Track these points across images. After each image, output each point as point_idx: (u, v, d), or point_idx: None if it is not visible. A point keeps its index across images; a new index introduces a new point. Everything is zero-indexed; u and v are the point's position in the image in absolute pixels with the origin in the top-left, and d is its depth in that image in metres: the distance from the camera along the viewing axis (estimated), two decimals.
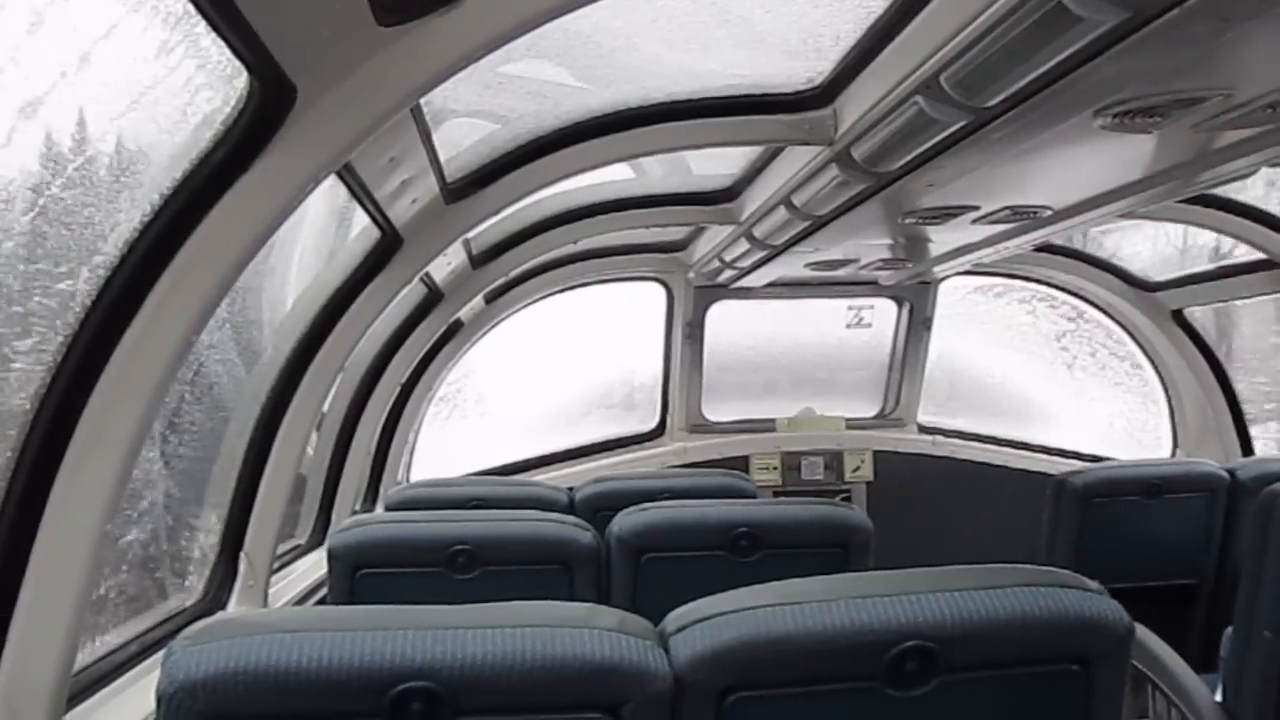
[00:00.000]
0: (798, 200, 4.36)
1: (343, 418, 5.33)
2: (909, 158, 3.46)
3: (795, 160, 4.09)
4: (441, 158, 3.28)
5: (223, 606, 3.75)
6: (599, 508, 4.63)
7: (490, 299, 6.28)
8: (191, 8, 1.60)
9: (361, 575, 3.58)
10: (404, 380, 5.79)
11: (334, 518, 5.36)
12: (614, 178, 5.13)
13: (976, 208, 4.40)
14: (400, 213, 3.43)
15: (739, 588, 2.08)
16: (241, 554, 3.80)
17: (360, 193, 3.04)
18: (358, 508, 5.71)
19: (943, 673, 1.95)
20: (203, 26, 1.68)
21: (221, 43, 1.74)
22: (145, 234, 2.11)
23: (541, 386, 7.52)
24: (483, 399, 7.53)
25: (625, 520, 3.74)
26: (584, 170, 3.75)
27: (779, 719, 1.99)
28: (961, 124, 3.06)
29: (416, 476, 7.09)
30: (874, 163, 3.60)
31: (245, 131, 2.05)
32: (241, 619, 1.96)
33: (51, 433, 2.15)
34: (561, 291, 6.88)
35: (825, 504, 3.87)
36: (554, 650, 1.87)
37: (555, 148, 3.59)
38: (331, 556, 3.60)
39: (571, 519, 3.73)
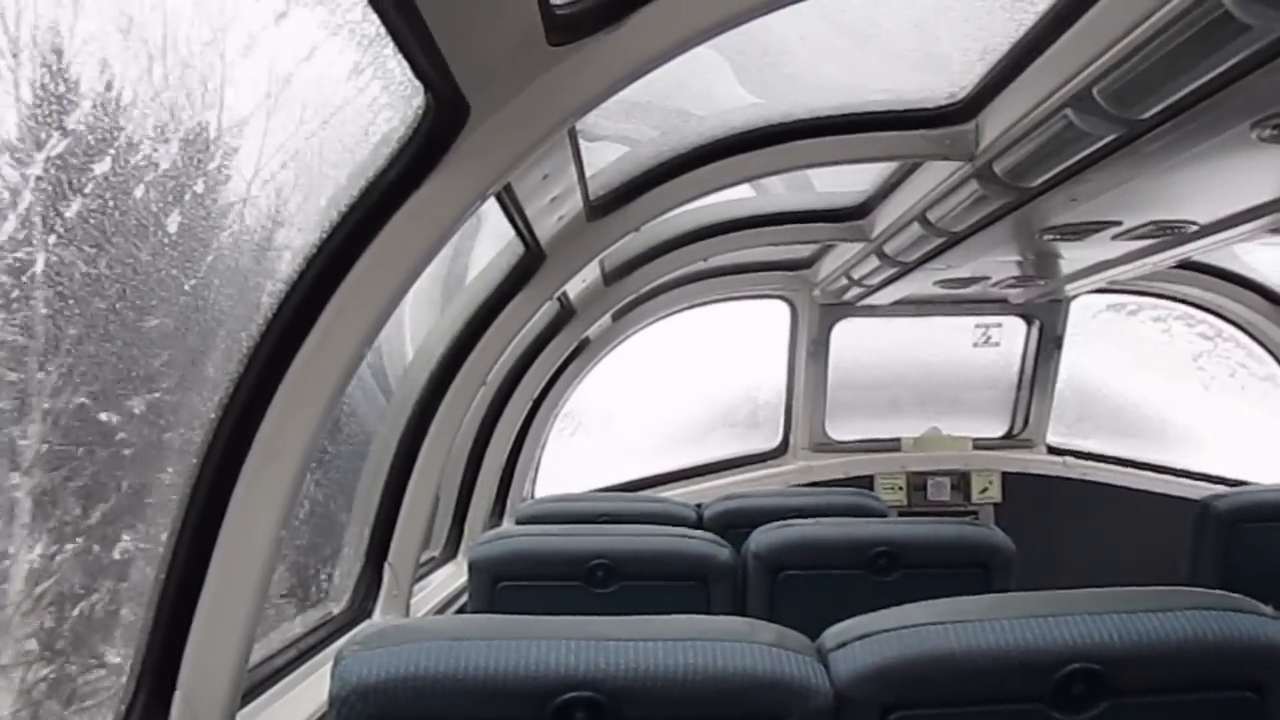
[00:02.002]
0: (932, 216, 4.33)
1: (475, 433, 5.44)
2: (1054, 172, 3.42)
3: (932, 176, 4.07)
4: (587, 174, 3.34)
5: (368, 615, 3.86)
6: (728, 525, 4.65)
7: (617, 316, 6.35)
8: (384, 30, 1.67)
9: (502, 587, 3.66)
10: (534, 397, 5.88)
11: (466, 531, 5.47)
12: (738, 195, 5.15)
13: (1119, 223, 4.32)
14: (546, 229, 3.50)
15: (878, 607, 2.08)
16: (386, 564, 3.91)
17: (512, 209, 3.12)
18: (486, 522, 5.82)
19: (1110, 696, 1.92)
20: (391, 49, 1.76)
21: (405, 64, 1.82)
22: (323, 250, 2.20)
23: (664, 404, 7.56)
24: (606, 416, 7.60)
25: (762, 537, 3.75)
26: (725, 187, 3.78)
27: None
28: (1112, 137, 3.01)
29: (541, 492, 7.18)
30: (1016, 177, 3.57)
31: (419, 149, 2.13)
32: (408, 626, 2.02)
33: (233, 441, 2.24)
34: (687, 309, 6.91)
35: (965, 524, 3.83)
36: (716, 663, 1.89)
37: (696, 164, 3.63)
38: (473, 568, 3.68)
39: (708, 535, 3.75)
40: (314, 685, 3.01)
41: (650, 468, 7.35)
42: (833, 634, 2.05)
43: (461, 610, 4.45)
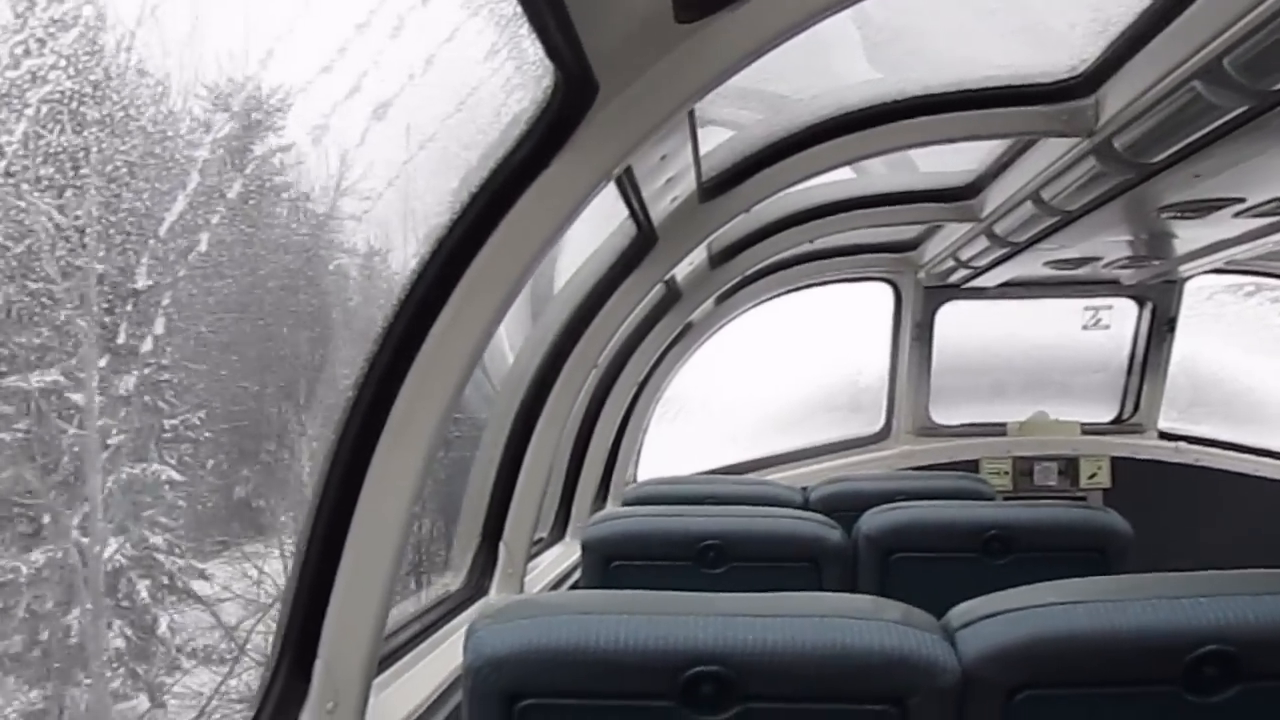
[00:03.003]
0: (1046, 195, 4.26)
1: (582, 417, 5.49)
2: (1177, 147, 3.34)
3: (1047, 152, 3.99)
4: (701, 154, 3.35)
5: (485, 592, 3.93)
6: (835, 507, 4.63)
7: (720, 300, 6.35)
8: (520, 9, 1.70)
9: (614, 567, 3.70)
10: (639, 381, 5.92)
11: (574, 513, 5.54)
12: (841, 177, 5.11)
13: (1241, 200, 4.20)
14: (660, 211, 3.52)
15: (991, 590, 2.06)
16: (501, 543, 3.98)
17: (629, 190, 3.14)
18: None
19: (1244, 680, 1.88)
20: (526, 28, 1.78)
21: (538, 44, 1.84)
22: (453, 231, 2.24)
23: (764, 389, 7.55)
24: (707, 400, 7.61)
25: (874, 519, 3.74)
26: (837, 166, 3.77)
27: (1068, 719, 1.96)
28: (1241, 109, 2.93)
29: (643, 475, 7.23)
30: (1137, 153, 3.49)
31: (547, 130, 2.16)
32: (537, 600, 2.07)
33: (368, 419, 2.30)
34: (789, 292, 6.88)
35: (1081, 507, 3.77)
36: (843, 640, 1.89)
37: (808, 144, 3.62)
38: (586, 549, 3.73)
39: (818, 517, 3.75)
40: (440, 657, 3.09)
41: (752, 451, 7.34)
42: (959, 613, 2.04)
43: (574, 589, 4.50)
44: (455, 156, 2.09)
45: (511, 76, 1.94)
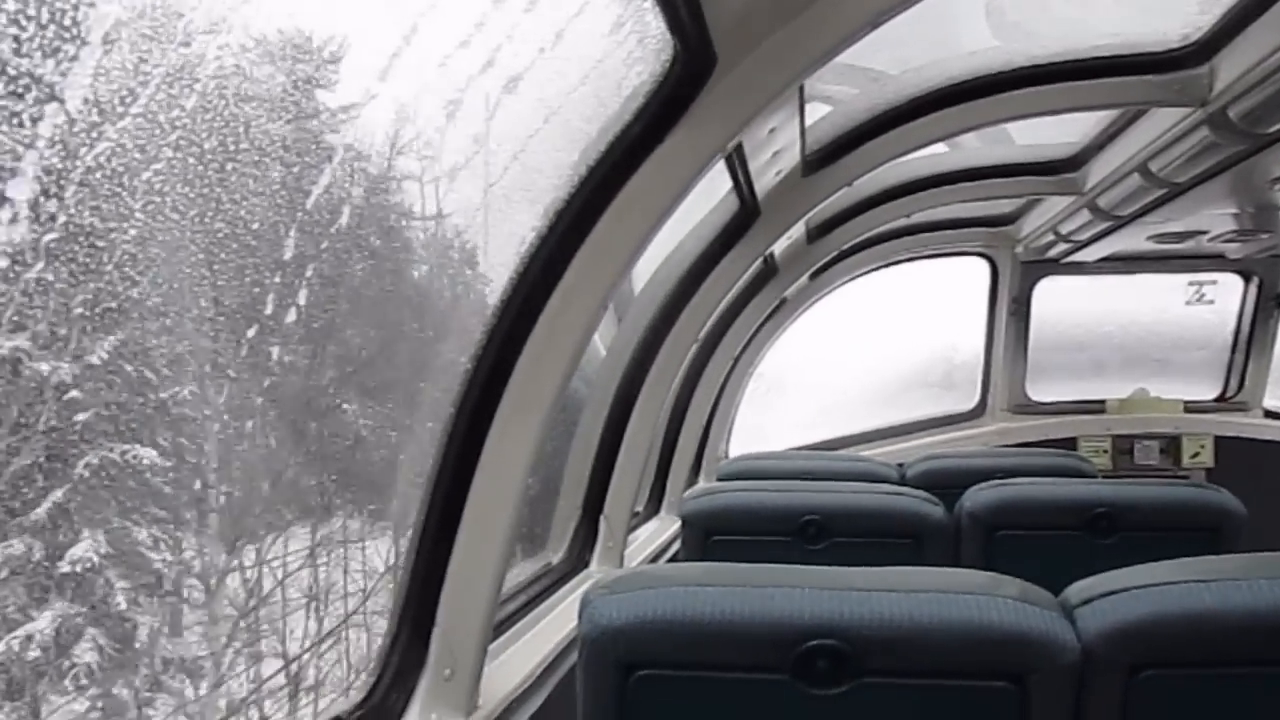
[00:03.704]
0: (1154, 166, 4.18)
1: (678, 391, 5.51)
2: None
3: (1157, 123, 3.92)
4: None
5: (585, 565, 3.99)
6: (932, 484, 4.59)
7: (814, 275, 6.32)
8: None
9: (714, 541, 3.71)
10: (735, 356, 5.92)
11: (669, 487, 5.57)
12: (936, 150, 5.05)
13: None
14: (765, 185, 3.52)
15: (1099, 569, 2.04)
16: (602, 517, 4.03)
17: (737, 163, 3.14)
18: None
19: None
20: (651, 1, 1.80)
21: (660, 17, 1.86)
22: (570, 204, 2.27)
23: (856, 364, 7.51)
24: (798, 376, 7.59)
25: (977, 496, 3.72)
26: (941, 139, 3.75)
27: (1191, 699, 1.93)
28: None
29: (735, 451, 7.23)
30: (1253, 123, 3.41)
31: (664, 103, 2.18)
32: (651, 572, 2.09)
33: (485, 392, 2.35)
34: (883, 267, 6.83)
35: (1193, 486, 3.71)
36: (961, 615, 1.88)
37: (912, 117, 3.58)
38: (686, 523, 3.75)
39: (919, 493, 3.74)
40: (547, 627, 3.15)
41: (844, 427, 7.32)
42: (1076, 590, 2.02)
43: (672, 562, 4.54)
44: (576, 130, 2.12)
45: (633, 50, 1.97)
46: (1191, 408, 7.16)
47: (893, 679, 1.90)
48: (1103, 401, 7.25)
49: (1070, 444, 7.02)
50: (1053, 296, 7.09)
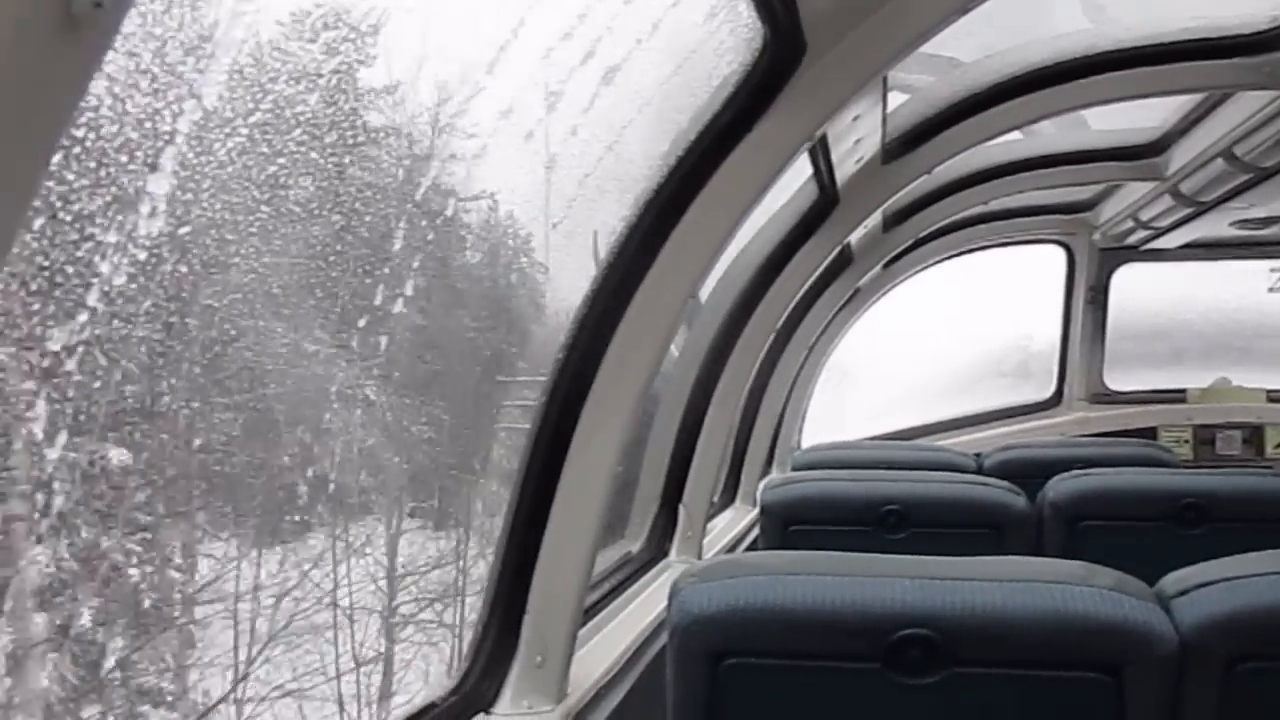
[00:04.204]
0: (1240, 151, 4.12)
1: (753, 381, 5.51)
2: None
3: (1243, 107, 3.86)
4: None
5: (665, 554, 4.02)
6: (1011, 474, 4.55)
7: (888, 264, 6.29)
8: None
9: (793, 530, 3.72)
10: (809, 345, 5.92)
11: (744, 477, 5.59)
12: (1011, 137, 5.00)
13: None
14: (845, 173, 3.52)
15: (1187, 561, 2.01)
16: (680, 506, 4.05)
17: (819, 152, 3.15)
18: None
19: None
20: None
21: (753, 8, 1.88)
22: (660, 193, 2.30)
23: (931, 354, 7.46)
24: (873, 366, 7.56)
25: (1060, 486, 3.68)
26: (1020, 125, 3.72)
27: None
28: None
29: (807, 441, 7.22)
30: None
31: (753, 92, 2.20)
32: (739, 561, 2.08)
33: (575, 380, 2.38)
34: (957, 255, 6.77)
35: None
36: (1055, 605, 1.86)
37: (992, 103, 3.57)
38: (765, 512, 3.75)
39: (1000, 483, 3.71)
40: (631, 615, 3.18)
41: (917, 417, 7.27)
42: (1172, 581, 1.99)
43: (750, 551, 4.56)
44: (668, 120, 2.15)
45: (725, 39, 1.99)
46: (1275, 397, 7.02)
47: (985, 669, 1.89)
48: (1183, 390, 7.14)
49: (1150, 434, 6.91)
50: (1131, 284, 6.99)
